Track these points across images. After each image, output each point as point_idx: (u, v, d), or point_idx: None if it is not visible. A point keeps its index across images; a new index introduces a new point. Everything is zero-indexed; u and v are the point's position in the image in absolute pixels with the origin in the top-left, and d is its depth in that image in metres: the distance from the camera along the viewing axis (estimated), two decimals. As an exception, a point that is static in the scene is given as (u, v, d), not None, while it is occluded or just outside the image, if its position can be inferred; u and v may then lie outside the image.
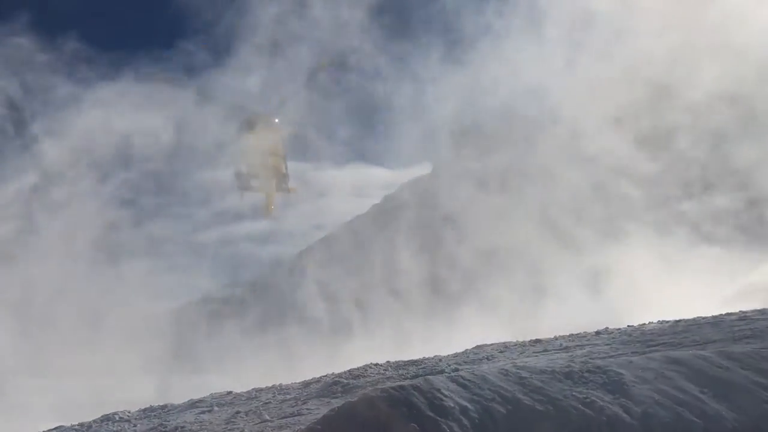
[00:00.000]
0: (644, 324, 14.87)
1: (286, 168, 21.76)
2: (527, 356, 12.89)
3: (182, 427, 12.24)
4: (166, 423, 12.76)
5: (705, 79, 23.06)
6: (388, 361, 13.90)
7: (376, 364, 13.65)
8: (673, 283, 22.08)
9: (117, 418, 13.53)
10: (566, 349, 13.12)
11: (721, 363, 10.81)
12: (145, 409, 14.11)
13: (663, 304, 19.06)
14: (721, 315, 14.55)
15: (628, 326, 15.02)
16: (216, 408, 13.36)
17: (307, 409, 11.65)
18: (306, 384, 13.70)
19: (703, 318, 14.37)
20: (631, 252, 24.42)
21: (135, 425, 13.05)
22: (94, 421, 13.53)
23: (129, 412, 13.91)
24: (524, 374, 10.33)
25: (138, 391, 17.49)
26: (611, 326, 15.25)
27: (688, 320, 14.42)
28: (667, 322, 14.72)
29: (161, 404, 15.17)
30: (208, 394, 15.10)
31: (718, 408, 10.02)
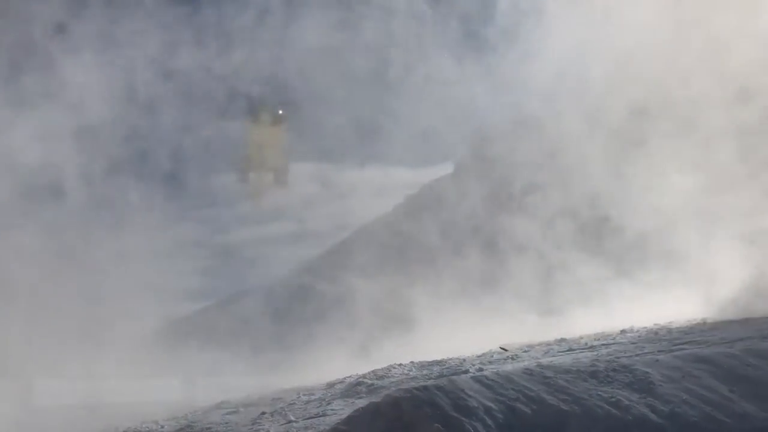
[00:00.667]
0: (671, 322, 14.73)
1: (286, 160, 21.80)
2: (552, 356, 12.83)
3: (209, 428, 12.39)
4: (193, 424, 12.92)
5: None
6: (411, 361, 13.92)
7: (400, 364, 13.68)
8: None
9: (144, 419, 13.71)
10: (591, 347, 13.04)
11: (749, 361, 10.65)
12: (171, 411, 14.28)
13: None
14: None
15: (654, 324, 14.89)
16: (241, 409, 13.49)
17: (332, 409, 11.71)
18: (330, 384, 13.77)
19: (731, 316, 14.20)
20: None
21: (162, 426, 13.22)
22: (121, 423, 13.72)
23: (155, 414, 14.09)
24: (549, 374, 10.28)
25: (164, 392, 17.70)
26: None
27: (715, 318, 14.26)
28: (694, 320, 14.59)
29: (187, 405, 15.34)
30: (234, 395, 15.27)
31: (748, 407, 9.87)
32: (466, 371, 12.00)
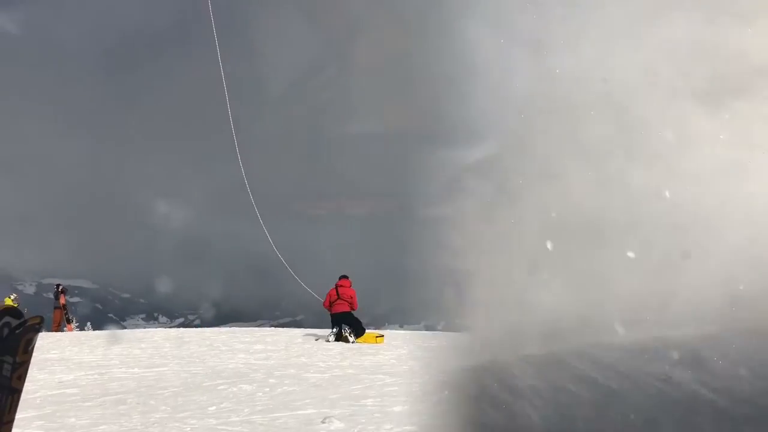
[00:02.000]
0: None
1: None
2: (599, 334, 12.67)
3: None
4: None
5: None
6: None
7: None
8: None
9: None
10: (640, 323, 12.83)
11: (806, 334, 10.35)
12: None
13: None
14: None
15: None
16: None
17: (379, 392, 11.76)
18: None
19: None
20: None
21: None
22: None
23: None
24: (597, 352, 10.16)
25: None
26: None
27: (769, 291, 13.84)
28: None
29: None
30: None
31: (805, 381, 9.60)
32: (512, 350, 11.93)
